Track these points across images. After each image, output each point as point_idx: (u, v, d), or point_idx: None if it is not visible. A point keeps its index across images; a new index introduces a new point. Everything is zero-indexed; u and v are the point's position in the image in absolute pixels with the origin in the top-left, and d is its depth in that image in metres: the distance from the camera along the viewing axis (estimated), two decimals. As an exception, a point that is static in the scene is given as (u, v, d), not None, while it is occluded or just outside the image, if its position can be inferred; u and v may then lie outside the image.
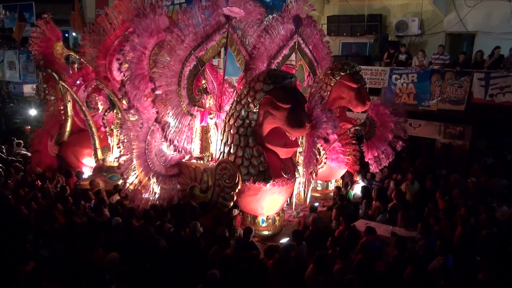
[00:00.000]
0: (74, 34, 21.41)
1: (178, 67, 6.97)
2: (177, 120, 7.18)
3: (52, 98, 9.50)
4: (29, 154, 10.43)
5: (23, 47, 19.39)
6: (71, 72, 9.63)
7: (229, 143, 7.21)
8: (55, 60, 9.39)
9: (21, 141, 11.51)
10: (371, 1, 14.31)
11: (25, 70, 19.57)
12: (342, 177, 9.47)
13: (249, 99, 6.90)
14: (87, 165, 9.55)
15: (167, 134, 7.08)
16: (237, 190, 7.14)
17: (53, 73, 9.23)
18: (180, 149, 7.38)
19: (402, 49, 13.02)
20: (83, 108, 9.01)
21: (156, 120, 6.98)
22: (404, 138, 8.12)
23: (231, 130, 7.15)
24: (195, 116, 7.50)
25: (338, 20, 14.75)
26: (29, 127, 13.05)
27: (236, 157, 7.12)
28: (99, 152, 9.01)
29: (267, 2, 14.66)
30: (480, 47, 12.18)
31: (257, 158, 7.01)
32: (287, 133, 6.99)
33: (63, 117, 9.49)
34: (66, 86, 9.14)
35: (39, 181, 8.26)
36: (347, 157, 8.50)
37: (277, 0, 14.45)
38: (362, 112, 8.87)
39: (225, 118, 7.35)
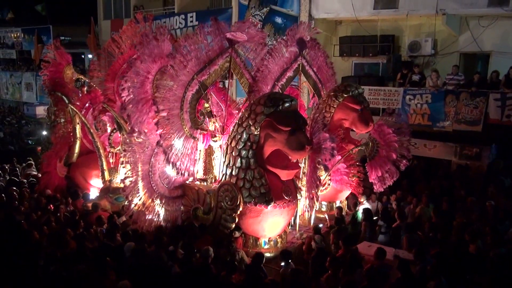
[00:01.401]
0: (90, 56, 22.48)
1: (181, 92, 7.43)
2: (179, 143, 7.57)
3: (62, 120, 10.11)
4: (40, 175, 10.99)
5: (40, 69, 20.47)
6: (80, 95, 10.26)
7: (231, 165, 7.56)
8: (64, 83, 10.04)
9: (32, 162, 12.14)
10: (384, 22, 14.67)
11: (42, 91, 20.59)
12: (347, 198, 9.66)
13: (250, 122, 7.27)
14: (95, 186, 10.03)
15: (169, 156, 7.47)
16: (238, 212, 7.44)
17: (63, 96, 9.88)
18: (182, 171, 7.74)
19: (415, 70, 13.31)
20: (91, 130, 9.56)
21: (158, 143, 7.39)
22: (408, 158, 8.33)
23: (233, 152, 7.50)
24: (197, 139, 7.90)
25: (350, 41, 15.16)
26: (40, 148, 13.75)
27: (238, 179, 7.45)
28: (106, 174, 9.49)
29: (279, 24, 15.23)
30: (495, 67, 12.35)
31: (258, 180, 7.32)
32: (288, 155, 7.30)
33: (72, 139, 10.08)
34: (74, 109, 9.74)
35: (51, 205, 8.65)
36: (351, 178, 8.71)
37: (289, 22, 14.95)
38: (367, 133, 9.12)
39: (228, 141, 7.72)
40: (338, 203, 9.43)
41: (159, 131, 7.30)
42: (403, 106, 12.84)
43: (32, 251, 6.55)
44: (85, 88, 10.15)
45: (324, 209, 9.49)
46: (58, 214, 8.30)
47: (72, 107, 9.75)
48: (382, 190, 8.76)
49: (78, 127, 9.91)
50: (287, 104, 7.16)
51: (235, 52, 8.09)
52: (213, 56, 7.73)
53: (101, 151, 9.46)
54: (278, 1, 15.48)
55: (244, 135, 7.35)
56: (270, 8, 15.63)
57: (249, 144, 7.34)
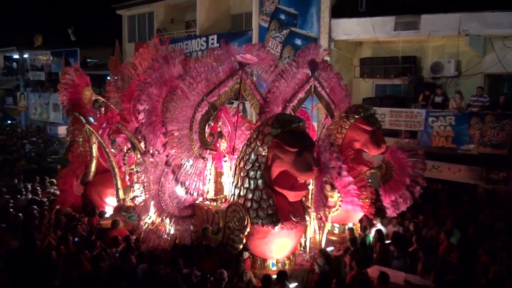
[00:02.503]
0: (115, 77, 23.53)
1: (190, 112, 7.79)
2: (188, 162, 7.90)
3: (81, 139, 10.69)
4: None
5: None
6: (98, 115, 10.83)
7: (239, 185, 7.80)
8: (83, 104, 10.65)
9: (54, 180, 12.75)
10: (405, 43, 14.80)
11: (69, 111, 21.74)
12: (360, 221, 9.69)
13: (258, 143, 7.52)
14: (110, 205, 10.46)
15: (178, 176, 7.79)
16: (246, 233, 7.63)
17: (80, 117, 10.46)
18: (191, 191, 8.04)
19: (438, 91, 13.29)
20: (107, 150, 10.05)
21: (166, 163, 7.74)
22: (422, 184, 8.36)
23: (241, 173, 7.75)
24: (207, 159, 8.20)
25: (371, 62, 15.33)
26: (60, 166, 14.42)
27: (246, 200, 7.67)
28: (120, 192, 9.90)
29: (299, 46, 15.60)
30: (521, 88, 12.26)
31: (266, 201, 7.52)
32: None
33: (89, 158, 10.60)
34: (91, 128, 10.30)
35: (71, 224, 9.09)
36: (362, 200, 8.78)
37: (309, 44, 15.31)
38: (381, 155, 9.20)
39: (236, 161, 7.99)
40: (350, 225, 9.48)
41: (168, 151, 7.63)
42: (425, 128, 12.81)
43: (49, 271, 6.88)
44: (103, 109, 10.72)
45: (336, 231, 9.55)
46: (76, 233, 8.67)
47: (88, 127, 10.31)
48: (396, 215, 8.77)
49: (94, 146, 10.45)
50: (294, 125, 7.40)
51: (246, 74, 8.43)
52: (223, 78, 8.09)
53: (116, 170, 9.91)
54: (298, 23, 15.88)
55: (252, 156, 7.60)
56: (290, 30, 16.10)
57: (257, 165, 7.58)
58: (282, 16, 16.28)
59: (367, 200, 8.86)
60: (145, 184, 8.11)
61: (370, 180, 9.26)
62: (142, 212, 8.09)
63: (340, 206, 8.68)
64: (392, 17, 14.04)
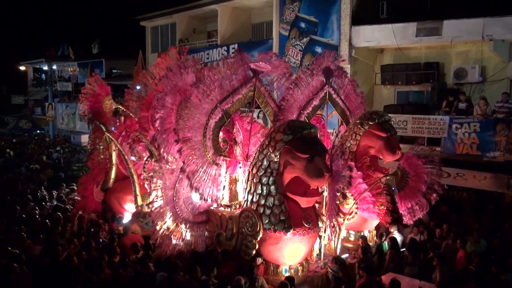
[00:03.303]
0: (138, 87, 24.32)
1: (204, 119, 8.09)
2: (202, 169, 8.20)
3: (101, 147, 11.18)
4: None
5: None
6: (118, 124, 11.31)
7: (252, 191, 8.02)
8: (103, 113, 11.15)
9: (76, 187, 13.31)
10: (427, 49, 14.81)
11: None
12: (377, 228, 9.73)
13: (270, 149, 7.74)
14: (129, 211, 10.86)
15: (192, 182, 8.09)
16: (258, 238, 7.83)
17: (100, 125, 10.98)
18: (205, 197, 8.32)
19: (462, 97, 13.23)
20: (126, 157, 10.48)
21: (181, 169, 8.05)
22: (438, 191, 8.38)
23: (254, 179, 7.97)
24: (220, 165, 8.48)
25: (392, 69, 15.44)
26: (82, 173, 15.06)
27: (259, 206, 7.87)
28: (139, 199, 10.28)
29: (318, 54, 15.84)
30: (548, 94, 12.08)
31: (278, 207, 7.70)
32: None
33: (109, 165, 11.08)
34: (111, 136, 10.77)
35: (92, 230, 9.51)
36: (378, 207, 8.84)
37: (328, 51, 15.52)
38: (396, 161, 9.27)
39: (249, 167, 8.23)
40: (366, 233, 9.55)
41: (182, 157, 7.94)
42: (449, 135, 12.73)
43: (71, 276, 7.20)
44: (122, 117, 11.21)
45: (351, 238, 9.63)
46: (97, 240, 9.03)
47: (108, 135, 10.80)
48: (412, 222, 8.80)
49: (114, 154, 10.91)
50: (305, 131, 7.58)
51: (259, 82, 8.70)
52: (236, 86, 8.37)
53: (135, 177, 10.31)
54: (318, 31, 16.15)
55: (265, 162, 7.81)
56: (310, 38, 16.38)
57: (269, 171, 7.78)
58: (302, 24, 16.59)
59: (382, 208, 8.92)
60: (160, 190, 8.42)
61: (394, 189, 9.27)
62: (156, 218, 8.38)
63: (356, 213, 8.81)
64: (413, 23, 14.15)
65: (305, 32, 16.51)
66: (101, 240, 9.15)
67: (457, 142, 12.54)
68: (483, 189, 12.26)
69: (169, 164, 8.26)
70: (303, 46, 16.59)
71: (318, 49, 15.83)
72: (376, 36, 15.02)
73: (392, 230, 9.15)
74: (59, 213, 10.67)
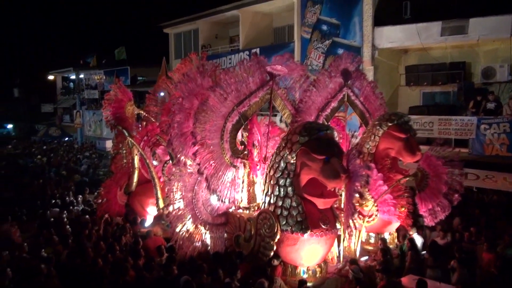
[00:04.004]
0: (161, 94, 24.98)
1: (221, 122, 8.33)
2: (220, 171, 8.43)
3: (124, 151, 11.62)
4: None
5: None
6: (140, 128, 11.74)
7: (269, 193, 8.21)
8: (125, 118, 11.58)
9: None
10: (453, 49, 14.66)
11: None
12: (398, 229, 9.74)
13: (287, 151, 7.92)
14: (151, 214, 11.23)
15: (210, 184, 8.34)
16: (276, 240, 8.00)
17: (123, 130, 11.40)
18: (223, 199, 8.55)
19: (490, 97, 13.04)
20: (147, 161, 10.85)
21: (199, 171, 8.32)
22: (459, 191, 8.34)
23: (271, 181, 8.16)
24: (238, 167, 8.70)
25: (417, 70, 15.33)
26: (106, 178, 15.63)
27: (276, 207, 8.06)
28: (160, 202, 10.63)
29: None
30: None
31: (295, 208, 7.86)
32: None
33: (131, 169, 11.49)
34: (133, 141, 11.18)
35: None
36: (399, 209, 8.87)
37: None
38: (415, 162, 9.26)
39: (267, 169, 8.43)
40: (387, 235, 9.57)
41: (199, 160, 8.19)
42: (477, 136, 12.58)
43: (97, 277, 7.54)
44: (144, 122, 11.62)
45: (372, 240, 9.66)
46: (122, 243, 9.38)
47: (130, 139, 11.21)
48: (433, 224, 8.79)
49: (136, 158, 11.33)
50: (322, 133, 7.73)
51: (276, 84, 8.90)
52: (253, 89, 8.59)
53: (156, 180, 10.68)
54: (340, 33, 16.21)
55: (282, 164, 7.99)
56: (332, 40, 16.46)
57: (286, 172, 7.95)
58: (324, 27, 16.70)
59: (403, 210, 8.94)
60: (179, 193, 8.69)
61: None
62: (175, 220, 8.65)
63: (376, 216, 8.87)
64: (438, 22, 14.03)
65: (327, 34, 16.61)
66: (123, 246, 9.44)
67: (486, 143, 12.39)
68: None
69: (187, 166, 8.52)
70: (325, 49, 16.68)
71: (341, 51, 15.70)
72: (399, 36, 14.97)
73: (411, 233, 9.13)
74: (87, 217, 11.16)
